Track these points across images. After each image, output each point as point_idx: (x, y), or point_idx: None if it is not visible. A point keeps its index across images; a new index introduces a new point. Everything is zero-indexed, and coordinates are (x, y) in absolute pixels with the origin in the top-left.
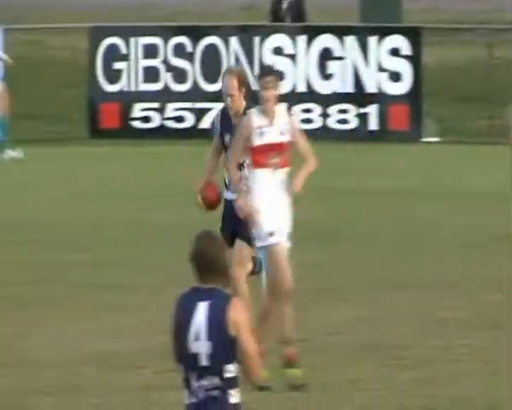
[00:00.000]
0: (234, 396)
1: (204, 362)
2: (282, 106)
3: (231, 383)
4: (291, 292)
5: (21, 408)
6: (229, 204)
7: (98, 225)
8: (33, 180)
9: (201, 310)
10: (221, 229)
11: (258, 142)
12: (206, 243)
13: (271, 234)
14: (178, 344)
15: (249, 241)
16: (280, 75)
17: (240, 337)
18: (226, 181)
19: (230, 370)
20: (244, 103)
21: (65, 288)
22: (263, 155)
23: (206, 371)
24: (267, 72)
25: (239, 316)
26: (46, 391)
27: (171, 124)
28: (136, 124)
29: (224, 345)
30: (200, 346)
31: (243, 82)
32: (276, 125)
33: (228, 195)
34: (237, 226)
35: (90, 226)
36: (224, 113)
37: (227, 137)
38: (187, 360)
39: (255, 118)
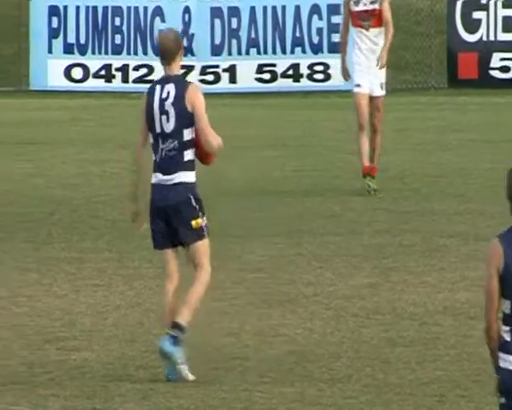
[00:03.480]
0: None
1: None
2: None
3: None
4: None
5: (381, 358)
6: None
7: (455, 174)
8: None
9: None
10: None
11: None
12: None
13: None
14: None
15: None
16: None
17: None
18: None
19: None
20: None
21: (423, 236)
22: None
23: None
24: None
25: None
26: (404, 342)
27: None
28: (495, 74)
29: None
30: None
31: None
32: None
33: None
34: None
35: (441, 175)
36: None
37: None
38: None
39: None
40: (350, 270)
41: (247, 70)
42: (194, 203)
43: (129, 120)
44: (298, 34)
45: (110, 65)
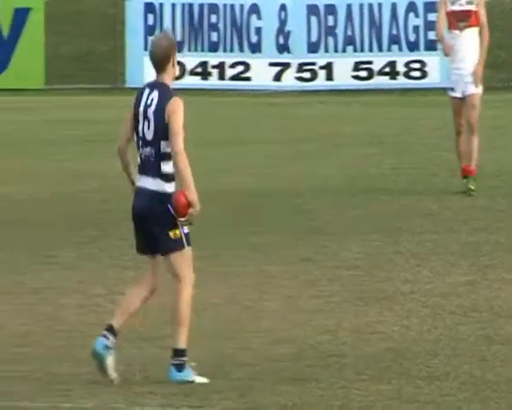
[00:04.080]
0: None
1: None
2: None
3: None
4: None
5: (479, 356)
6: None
7: None
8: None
9: None
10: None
11: None
12: None
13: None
14: None
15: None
16: None
17: None
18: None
19: None
20: None
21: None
22: None
23: None
24: None
25: None
26: (501, 339)
27: None
28: None
29: None
30: None
31: None
32: None
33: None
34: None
35: None
36: None
37: None
38: None
39: None
40: (447, 268)
41: (343, 67)
42: (172, 214)
43: (226, 118)
44: (394, 32)
45: (206, 62)
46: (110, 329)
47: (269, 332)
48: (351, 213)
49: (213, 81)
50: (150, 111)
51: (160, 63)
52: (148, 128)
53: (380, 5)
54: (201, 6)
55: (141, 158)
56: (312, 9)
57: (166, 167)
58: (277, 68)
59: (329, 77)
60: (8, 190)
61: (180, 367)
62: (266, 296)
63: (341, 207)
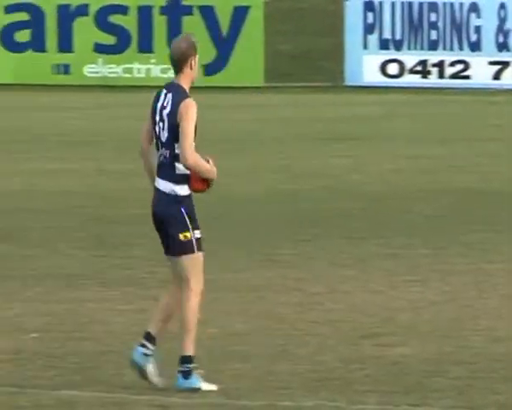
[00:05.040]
0: None
1: None
2: None
3: None
4: None
5: None
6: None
7: None
8: None
9: None
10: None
11: None
12: None
13: None
14: None
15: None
16: None
17: None
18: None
19: None
20: None
21: None
22: None
23: None
24: None
25: None
26: None
27: None
28: None
29: None
30: None
31: None
32: None
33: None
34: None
35: None
36: None
37: None
38: None
39: None
40: None
41: None
42: (184, 217)
43: (445, 116)
44: None
45: (426, 61)
46: (148, 337)
47: (488, 331)
48: None
49: (433, 79)
50: (165, 113)
51: (177, 64)
52: (163, 129)
53: None
54: (421, 4)
55: (159, 159)
56: None
57: (181, 170)
58: (497, 67)
59: None
60: (228, 188)
61: (186, 375)
62: (485, 295)
63: None
